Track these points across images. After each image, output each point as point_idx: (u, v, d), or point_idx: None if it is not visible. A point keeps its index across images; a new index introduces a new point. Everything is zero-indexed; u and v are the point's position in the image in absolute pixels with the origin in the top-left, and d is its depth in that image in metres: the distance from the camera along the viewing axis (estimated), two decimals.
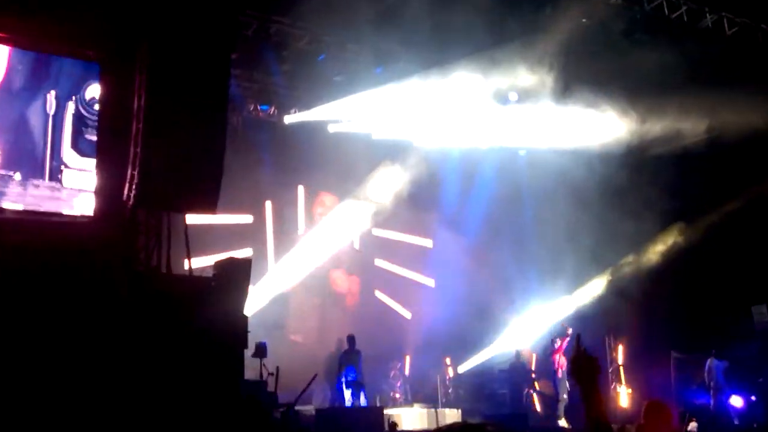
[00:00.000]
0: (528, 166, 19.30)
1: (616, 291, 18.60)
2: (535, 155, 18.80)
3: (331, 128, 17.99)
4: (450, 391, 18.91)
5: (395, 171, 18.12)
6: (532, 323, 19.12)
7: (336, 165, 18.06)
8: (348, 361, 14.89)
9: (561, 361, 16.07)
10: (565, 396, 15.99)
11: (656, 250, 18.55)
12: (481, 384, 19.24)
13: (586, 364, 3.70)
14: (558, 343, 16.36)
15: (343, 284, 19.91)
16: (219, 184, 11.43)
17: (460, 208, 19.78)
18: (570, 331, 16.29)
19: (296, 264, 18.23)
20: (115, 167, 11.00)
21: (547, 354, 16.91)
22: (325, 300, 19.40)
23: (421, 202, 19.22)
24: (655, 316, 17.60)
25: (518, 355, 18.57)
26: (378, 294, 19.98)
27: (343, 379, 14.74)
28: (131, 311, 9.63)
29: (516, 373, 18.35)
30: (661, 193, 16.87)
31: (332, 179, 18.72)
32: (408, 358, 19.00)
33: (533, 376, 18.43)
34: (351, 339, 15.21)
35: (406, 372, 18.86)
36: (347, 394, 14.63)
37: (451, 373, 19.18)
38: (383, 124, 17.70)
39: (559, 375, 16.06)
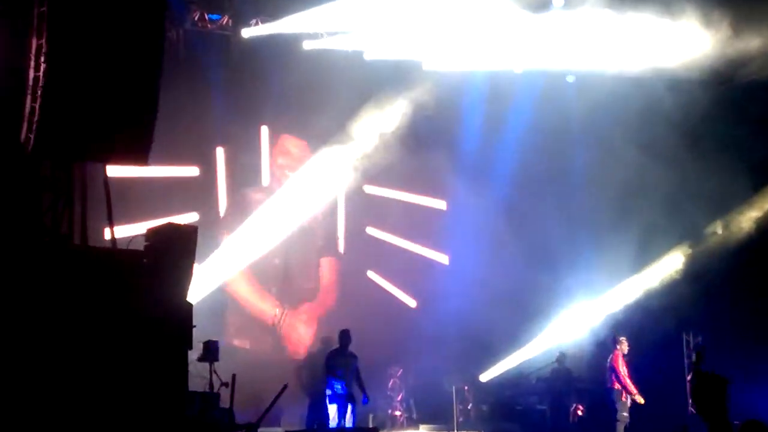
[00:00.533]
0: (578, 96, 19.27)
1: (695, 272, 18.64)
2: (588, 82, 18.77)
3: (307, 45, 17.90)
4: (470, 407, 18.96)
5: (396, 105, 18.06)
6: (582, 315, 19.17)
7: (313, 97, 17.96)
8: (338, 365, 14.83)
9: (621, 371, 16.16)
10: (625, 414, 16.09)
11: (750, 217, 18.57)
12: (511, 398, 19.30)
13: (712, 385, 3.65)
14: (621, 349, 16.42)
15: (322, 263, 19.92)
16: (152, 124, 11.27)
17: (485, 156, 19.77)
18: (624, 343, 16.40)
19: (259, 234, 18.18)
20: (7, 98, 10.87)
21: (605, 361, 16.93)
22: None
23: (432, 148, 19.14)
24: (746, 306, 17.66)
25: (562, 358, 18.59)
26: (371, 275, 19.97)
27: (329, 391, 14.71)
28: (32, 297, 9.52)
29: (560, 382, 18.37)
30: (758, 137, 16.82)
31: (308, 117, 18.56)
32: (412, 363, 19.03)
33: (579, 385, 18.52)
34: (344, 336, 15.14)
35: (410, 381, 18.88)
36: (332, 410, 14.62)
37: (470, 383, 19.22)
38: (380, 39, 17.62)
39: (616, 386, 16.13)
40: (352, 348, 15.06)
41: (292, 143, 19.53)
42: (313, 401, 16.13)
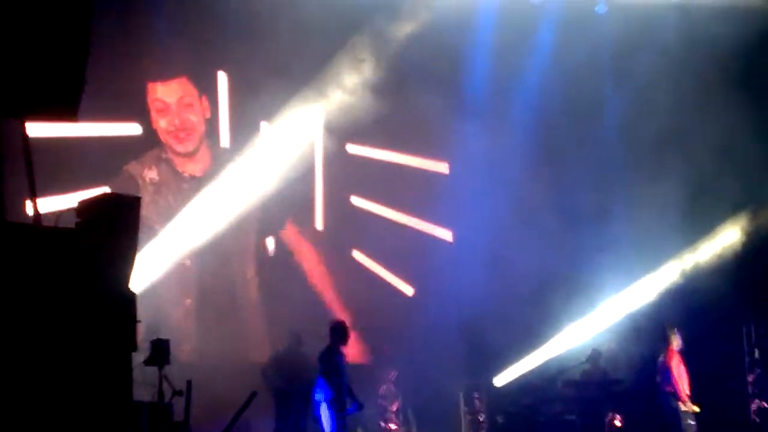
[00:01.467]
0: (611, 30, 19.39)
1: (756, 246, 18.76)
2: (621, 13, 18.84)
3: None
4: (482, 418, 19.04)
5: (385, 41, 18.13)
6: (618, 302, 19.25)
7: (283, 32, 17.92)
8: (334, 367, 14.92)
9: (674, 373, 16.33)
10: (692, 423, 16.22)
11: None
12: (532, 407, 19.34)
13: None
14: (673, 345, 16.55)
15: (294, 242, 19.94)
16: (82, 69, 11.18)
17: (497, 107, 19.76)
18: (676, 336, 16.53)
19: (215, 208, 18.23)
20: None
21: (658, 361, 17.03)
22: (260, 270, 19.50)
23: (431, 97, 18.99)
24: None
25: (595, 357, 18.64)
26: (357, 256, 20.01)
27: (319, 396, 14.82)
28: None
29: (592, 387, 18.40)
30: None
31: (276, 59, 18.48)
32: (409, 365, 19.08)
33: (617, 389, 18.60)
34: (338, 330, 15.21)
35: (407, 387, 18.95)
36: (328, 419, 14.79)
37: (482, 388, 19.29)
38: None
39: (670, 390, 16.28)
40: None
41: (269, 92, 19.25)
42: (280, 410, 16.20)
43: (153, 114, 18.84)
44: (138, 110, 18.12)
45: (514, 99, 19.89)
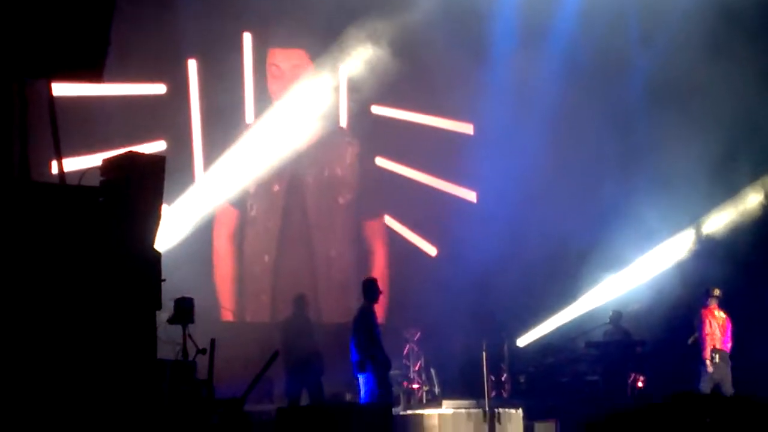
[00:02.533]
0: None
1: None
2: None
3: None
4: (504, 378, 19.05)
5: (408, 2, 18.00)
6: (642, 264, 19.21)
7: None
8: (368, 325, 14.98)
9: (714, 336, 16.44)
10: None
11: None
12: (554, 367, 19.37)
13: None
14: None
15: (321, 204, 19.99)
16: (107, 29, 11.19)
17: (522, 67, 19.71)
18: (717, 294, 16.56)
19: (241, 168, 18.28)
20: None
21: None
22: (288, 231, 19.51)
23: (455, 57, 19.05)
24: None
25: (616, 317, 18.62)
26: (387, 221, 20.17)
27: (367, 358, 14.86)
28: None
29: (614, 347, 18.42)
30: None
31: (302, 22, 18.56)
32: (432, 325, 19.09)
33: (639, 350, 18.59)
34: (369, 287, 15.27)
35: (430, 347, 18.97)
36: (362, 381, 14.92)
37: (505, 349, 19.30)
38: None
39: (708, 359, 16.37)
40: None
41: (284, 57, 19.43)
42: (291, 369, 16.30)
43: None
44: (163, 71, 18.10)
45: (539, 59, 19.86)
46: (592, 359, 18.87)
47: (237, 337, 16.64)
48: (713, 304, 16.63)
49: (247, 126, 19.06)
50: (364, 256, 20.14)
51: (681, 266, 19.01)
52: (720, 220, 19.30)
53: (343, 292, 19.47)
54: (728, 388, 16.35)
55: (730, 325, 16.65)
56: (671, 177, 18.39)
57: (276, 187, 19.14)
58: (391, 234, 20.04)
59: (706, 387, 16.34)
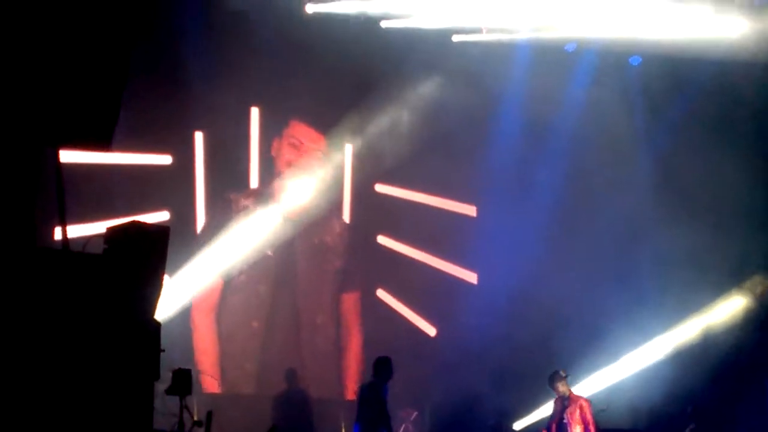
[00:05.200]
0: (645, 80, 19.50)
1: None
2: (655, 65, 18.96)
3: (310, 8, 18.03)
4: None
5: (418, 86, 18.34)
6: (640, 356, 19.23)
7: (316, 75, 18.12)
8: (376, 400, 14.82)
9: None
10: None
11: None
12: None
13: None
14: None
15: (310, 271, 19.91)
16: (118, 99, 11.25)
17: (527, 152, 19.78)
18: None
19: (243, 241, 18.35)
20: None
21: None
22: (278, 297, 19.46)
23: (461, 141, 19.27)
24: None
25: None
26: (381, 295, 20.05)
27: None
28: None
29: None
30: None
31: (309, 99, 18.70)
32: (429, 405, 19.04)
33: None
34: (382, 365, 15.13)
35: (426, 427, 18.87)
36: None
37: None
38: (399, 1, 17.75)
39: None
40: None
41: (303, 132, 19.52)
42: None
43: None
44: (169, 142, 18.20)
45: (545, 144, 19.83)
46: None
47: (222, 409, 16.50)
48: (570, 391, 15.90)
49: (251, 191, 19.15)
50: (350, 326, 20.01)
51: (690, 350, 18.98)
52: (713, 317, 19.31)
53: (326, 362, 19.36)
54: None
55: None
56: (675, 270, 18.36)
57: (270, 252, 19.04)
58: (388, 312, 19.93)
59: None
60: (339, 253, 19.90)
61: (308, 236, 19.45)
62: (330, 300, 19.72)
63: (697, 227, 18.07)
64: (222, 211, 18.79)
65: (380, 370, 14.90)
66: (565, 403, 15.47)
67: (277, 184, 19.27)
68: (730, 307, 19.34)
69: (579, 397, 15.60)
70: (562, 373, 15.60)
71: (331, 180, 19.14)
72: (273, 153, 19.45)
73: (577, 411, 15.38)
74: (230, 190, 19.02)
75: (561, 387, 15.54)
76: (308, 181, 19.02)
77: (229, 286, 18.79)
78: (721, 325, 19.17)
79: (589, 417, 15.35)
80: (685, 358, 18.94)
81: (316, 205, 19.18)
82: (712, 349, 18.65)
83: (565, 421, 15.41)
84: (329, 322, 19.67)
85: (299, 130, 19.58)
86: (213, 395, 17.31)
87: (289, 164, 19.37)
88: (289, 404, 16.54)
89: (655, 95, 19.27)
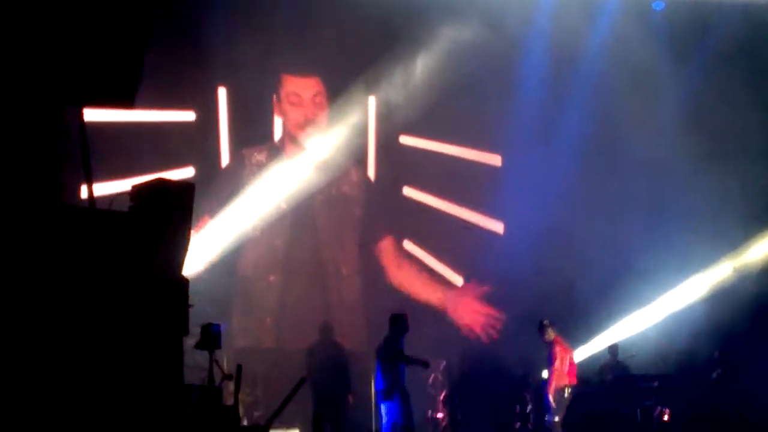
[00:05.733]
0: (669, 24, 19.42)
1: None
2: (681, 7, 18.98)
3: None
4: (529, 410, 18.94)
5: (440, 36, 18.21)
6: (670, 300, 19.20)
7: (335, 28, 18.10)
8: (392, 356, 14.91)
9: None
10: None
11: None
12: (579, 398, 19.22)
13: None
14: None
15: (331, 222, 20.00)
16: (140, 56, 11.25)
17: (552, 99, 19.75)
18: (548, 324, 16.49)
19: (268, 196, 18.38)
20: None
21: None
22: (316, 260, 19.47)
23: (485, 89, 19.15)
24: None
25: (615, 351, 18.55)
26: (408, 246, 20.07)
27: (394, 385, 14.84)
28: None
29: (615, 381, 18.27)
30: None
31: (332, 53, 18.63)
32: (458, 355, 19.14)
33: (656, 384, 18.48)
34: (398, 321, 15.19)
35: (455, 376, 18.96)
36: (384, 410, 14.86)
37: (530, 381, 19.18)
38: None
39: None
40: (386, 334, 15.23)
41: (297, 85, 19.49)
42: (318, 399, 16.31)
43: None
44: (193, 98, 18.22)
45: (569, 91, 19.80)
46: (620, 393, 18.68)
47: (250, 363, 16.62)
48: (555, 335, 16.45)
49: (275, 147, 19.21)
50: (375, 276, 19.96)
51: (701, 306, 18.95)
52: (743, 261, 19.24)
53: (353, 313, 19.39)
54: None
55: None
56: (704, 212, 18.30)
57: (283, 205, 19.05)
58: (416, 263, 19.97)
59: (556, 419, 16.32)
60: (359, 203, 19.87)
61: (326, 188, 19.40)
62: (353, 249, 19.74)
63: (725, 168, 18.04)
64: (237, 167, 18.82)
65: (396, 325, 15.04)
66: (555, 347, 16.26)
67: (290, 137, 19.28)
68: (760, 250, 19.26)
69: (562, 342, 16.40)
70: (546, 322, 16.28)
71: (351, 130, 19.04)
72: (277, 113, 19.43)
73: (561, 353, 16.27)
74: (245, 146, 19.03)
75: (548, 335, 16.32)
76: (323, 132, 19.06)
77: (246, 241, 18.82)
78: (750, 267, 19.10)
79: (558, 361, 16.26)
80: (712, 302, 18.88)
81: (332, 157, 19.16)
82: (741, 293, 18.56)
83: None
84: (353, 272, 19.72)
85: (292, 85, 19.50)
86: (242, 349, 17.41)
87: (297, 124, 19.35)
88: (322, 356, 16.56)
89: (680, 38, 19.15)
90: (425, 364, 15.28)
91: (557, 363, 16.26)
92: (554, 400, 16.25)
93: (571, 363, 16.50)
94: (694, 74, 19.37)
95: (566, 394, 16.32)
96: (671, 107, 19.62)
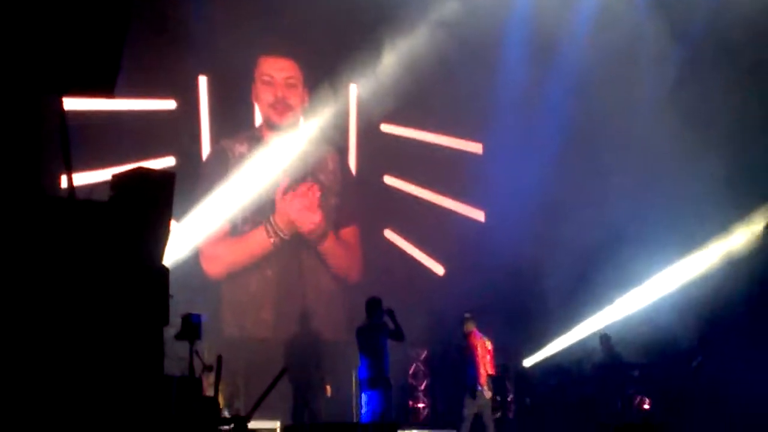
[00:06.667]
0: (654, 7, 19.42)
1: None
2: None
3: None
4: (510, 398, 19.00)
5: (420, 22, 18.12)
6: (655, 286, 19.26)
7: (321, 13, 18.00)
8: (371, 344, 14.88)
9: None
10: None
11: None
12: (560, 387, 19.31)
13: None
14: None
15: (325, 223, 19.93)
16: (120, 44, 11.19)
17: (533, 87, 19.71)
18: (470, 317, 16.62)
19: (247, 185, 18.30)
20: None
21: None
22: (293, 250, 19.41)
23: (466, 77, 19.10)
24: None
25: (606, 340, 18.55)
26: (389, 235, 20.04)
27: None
28: None
29: (612, 370, 18.31)
30: None
31: (311, 39, 18.64)
32: (438, 344, 19.10)
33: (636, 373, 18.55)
34: (372, 305, 15.17)
35: (436, 365, 18.93)
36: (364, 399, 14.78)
37: (510, 369, 19.24)
38: None
39: None
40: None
41: (271, 66, 19.39)
42: (298, 391, 16.34)
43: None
44: (174, 87, 18.15)
45: (549, 78, 19.79)
46: (596, 380, 18.74)
47: (238, 352, 16.61)
48: (474, 328, 16.50)
49: (256, 134, 19.13)
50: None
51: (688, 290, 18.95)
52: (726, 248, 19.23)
53: (332, 302, 19.30)
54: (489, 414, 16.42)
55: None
56: (686, 196, 18.28)
57: (263, 195, 18.86)
58: (397, 252, 19.94)
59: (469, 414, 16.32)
60: (334, 191, 19.78)
61: (302, 176, 19.30)
62: (330, 238, 19.67)
63: (717, 149, 17.97)
64: (218, 159, 18.73)
65: (371, 310, 15.00)
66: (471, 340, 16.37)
67: (267, 124, 19.23)
68: (748, 234, 19.26)
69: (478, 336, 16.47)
70: (467, 316, 16.50)
71: (331, 119, 18.99)
72: (253, 98, 19.32)
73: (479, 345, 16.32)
74: (226, 137, 18.95)
75: (465, 328, 16.46)
76: (300, 119, 19.05)
77: (234, 234, 18.76)
78: (741, 252, 19.08)
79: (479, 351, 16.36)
80: (695, 289, 18.88)
81: (311, 145, 19.13)
82: (729, 280, 18.55)
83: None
84: (331, 261, 19.67)
85: (267, 65, 19.42)
86: (223, 339, 17.37)
87: (269, 104, 19.26)
88: (298, 347, 16.57)
89: (665, 22, 19.18)
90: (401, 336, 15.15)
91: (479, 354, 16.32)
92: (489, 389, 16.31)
93: (490, 354, 16.50)
94: (684, 50, 19.35)
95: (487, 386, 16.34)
96: (655, 92, 19.58)
